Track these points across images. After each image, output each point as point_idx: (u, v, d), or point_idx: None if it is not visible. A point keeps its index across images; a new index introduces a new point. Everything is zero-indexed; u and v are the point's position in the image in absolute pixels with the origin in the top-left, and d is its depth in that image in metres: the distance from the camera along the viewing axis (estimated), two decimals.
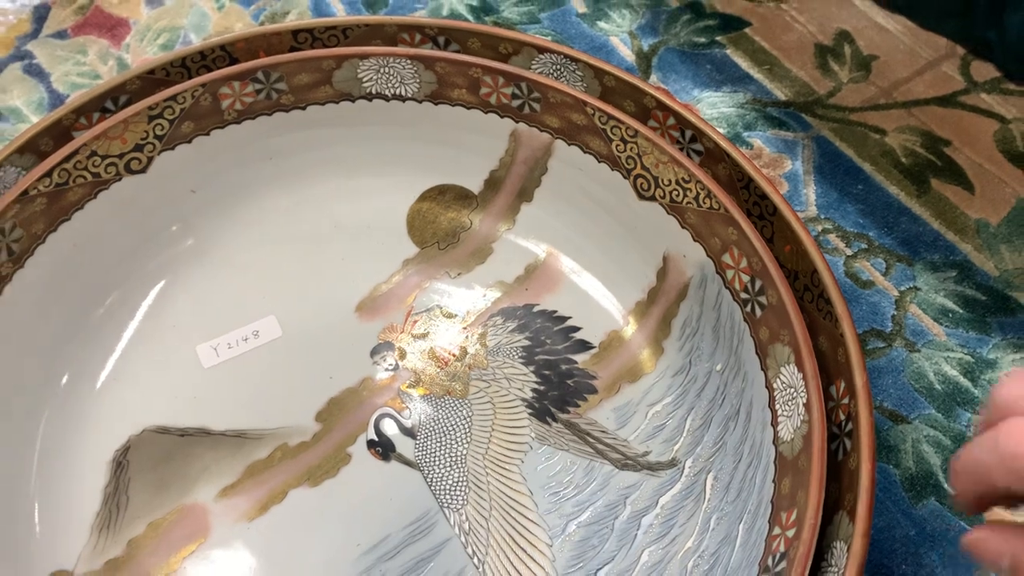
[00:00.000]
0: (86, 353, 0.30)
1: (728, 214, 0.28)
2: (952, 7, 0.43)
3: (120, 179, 0.30)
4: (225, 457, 0.29)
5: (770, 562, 0.23)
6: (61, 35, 0.45)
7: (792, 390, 0.25)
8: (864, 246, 0.38)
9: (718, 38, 0.46)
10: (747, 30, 0.46)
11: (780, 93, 0.43)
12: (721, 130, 0.42)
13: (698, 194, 0.29)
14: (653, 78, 0.44)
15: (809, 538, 0.22)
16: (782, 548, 0.23)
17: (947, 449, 0.33)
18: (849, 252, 0.38)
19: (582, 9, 0.47)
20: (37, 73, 0.43)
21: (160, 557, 0.28)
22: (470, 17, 0.46)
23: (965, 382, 0.34)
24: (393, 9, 0.46)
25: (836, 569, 0.23)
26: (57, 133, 0.30)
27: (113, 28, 0.45)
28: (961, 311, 0.36)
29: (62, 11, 0.46)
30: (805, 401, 0.24)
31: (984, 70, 0.44)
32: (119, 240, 0.31)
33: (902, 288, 0.37)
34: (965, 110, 0.43)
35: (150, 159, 0.31)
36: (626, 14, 0.46)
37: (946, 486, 0.32)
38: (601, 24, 0.46)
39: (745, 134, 0.42)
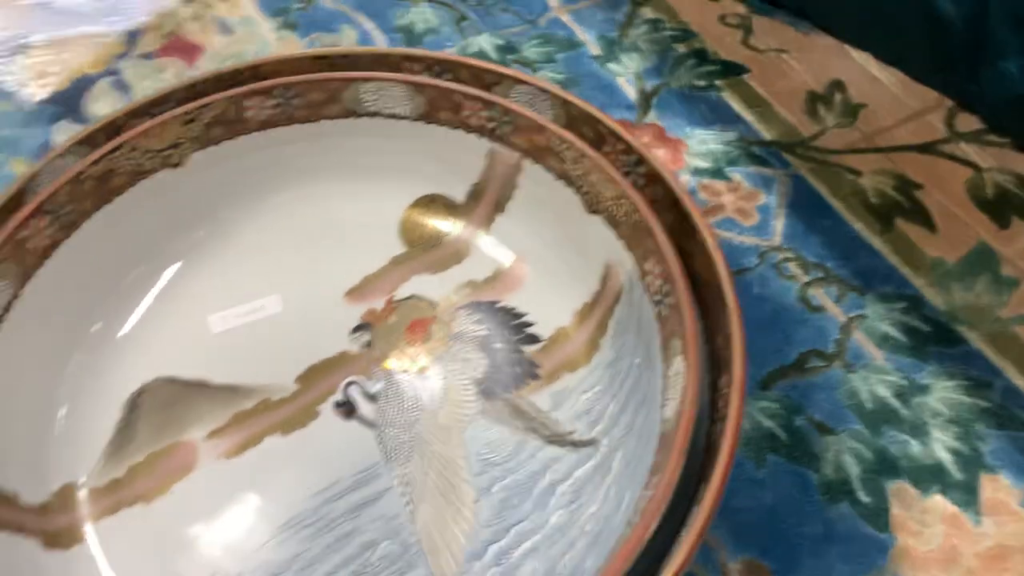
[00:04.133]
0: (115, 310, 0.36)
1: (648, 226, 0.32)
2: (938, 61, 0.46)
3: (158, 171, 0.37)
4: (218, 406, 0.35)
5: (633, 518, 0.27)
6: (147, 56, 0.53)
7: (679, 376, 0.29)
8: (821, 275, 0.41)
9: (716, 82, 0.50)
10: (745, 76, 0.50)
11: (766, 134, 0.47)
12: (705, 165, 0.46)
13: (628, 209, 0.33)
14: (651, 115, 0.48)
15: (661, 494, 0.26)
16: (642, 505, 0.27)
17: (867, 461, 0.36)
18: (806, 279, 0.41)
19: (596, 52, 0.52)
20: (123, 87, 0.51)
21: (154, 481, 0.33)
22: (495, 56, 0.52)
23: (895, 403, 0.37)
24: (428, 46, 0.52)
25: (687, 528, 0.26)
26: (112, 131, 0.37)
27: (190, 52, 0.53)
28: (903, 339, 0.39)
29: (151, 36, 0.54)
30: (684, 385, 0.28)
31: (968, 121, 0.47)
32: (152, 220, 0.37)
33: (850, 315, 0.40)
34: (942, 157, 0.45)
35: (184, 156, 0.37)
36: (635, 57, 0.51)
37: (860, 494, 0.35)
38: (611, 66, 0.51)
39: (727, 169, 0.45)
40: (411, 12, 0.54)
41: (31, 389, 0.33)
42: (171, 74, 0.52)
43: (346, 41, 0.53)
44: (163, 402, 0.35)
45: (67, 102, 0.50)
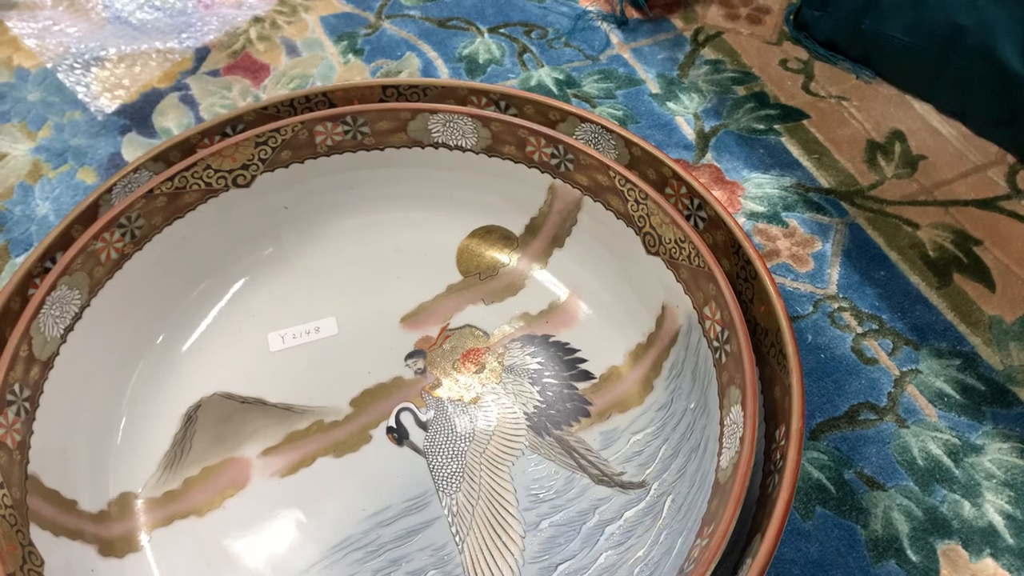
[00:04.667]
0: (178, 324, 0.37)
1: (710, 272, 0.32)
2: (1004, 117, 0.46)
3: (227, 190, 0.37)
4: (272, 424, 0.35)
5: (685, 567, 0.27)
6: (214, 73, 0.54)
7: (735, 426, 0.29)
8: (875, 327, 0.41)
9: (776, 126, 0.50)
10: (805, 121, 0.50)
11: (824, 181, 0.47)
12: (761, 209, 0.46)
13: (690, 253, 0.33)
14: (708, 156, 0.48)
15: (716, 545, 0.26)
16: (695, 554, 0.27)
17: (917, 519, 0.35)
18: (860, 330, 0.41)
19: (655, 90, 0.52)
20: (189, 102, 0.52)
21: (207, 495, 0.34)
22: (555, 90, 0.52)
23: (948, 462, 0.37)
24: (489, 77, 0.53)
25: None
26: (185, 149, 0.38)
27: (256, 71, 0.54)
28: (958, 397, 0.38)
29: (219, 54, 0.55)
30: (741, 436, 0.28)
31: None
32: (219, 238, 0.38)
33: (904, 369, 0.39)
34: (1003, 214, 0.45)
35: (253, 177, 0.38)
36: (695, 97, 0.51)
37: (909, 553, 0.34)
38: (670, 104, 0.51)
39: (784, 214, 0.45)
40: (474, 43, 0.55)
41: (96, 398, 0.34)
42: (237, 92, 0.53)
43: (409, 68, 0.53)
44: (219, 417, 0.36)
45: (136, 115, 0.51)
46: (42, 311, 0.32)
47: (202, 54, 0.55)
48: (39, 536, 0.30)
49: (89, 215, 0.36)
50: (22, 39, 0.55)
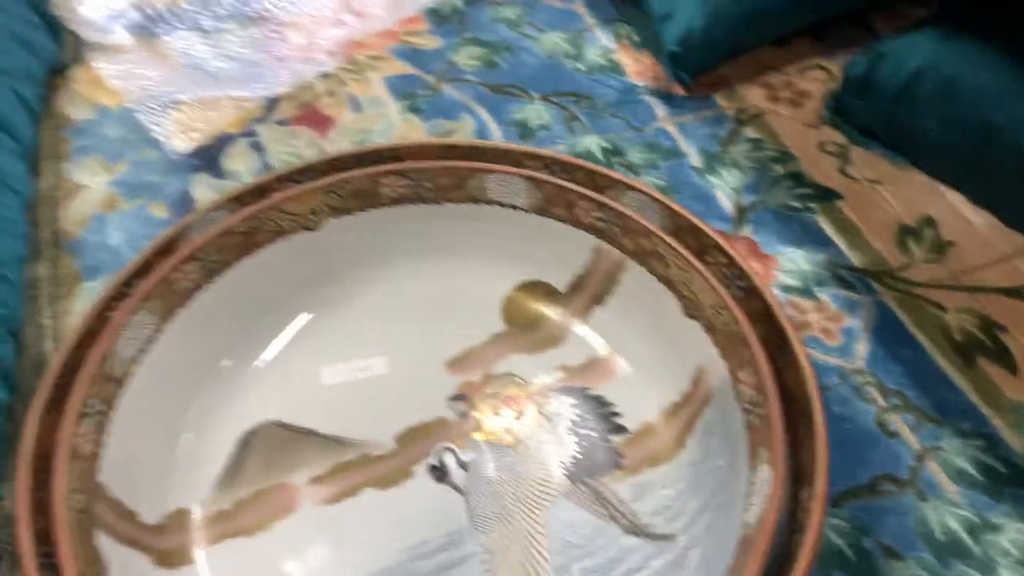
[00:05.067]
0: (242, 353, 0.39)
1: (746, 339, 0.34)
2: None
3: (297, 232, 0.40)
4: (321, 454, 0.38)
5: None
6: (283, 122, 0.57)
7: (764, 484, 0.31)
8: (899, 403, 0.42)
9: (811, 205, 0.52)
10: (839, 202, 0.52)
11: (855, 260, 0.49)
12: (794, 283, 0.48)
13: (727, 319, 0.35)
14: (745, 229, 0.51)
15: None
16: None
17: None
18: (884, 405, 0.42)
19: (696, 163, 0.55)
20: (258, 148, 0.55)
21: (257, 517, 0.36)
22: (602, 158, 0.55)
23: (966, 538, 0.38)
24: (539, 141, 0.56)
25: None
26: (259, 192, 0.40)
27: (322, 123, 0.57)
28: (978, 476, 0.40)
29: (288, 104, 0.59)
30: (769, 494, 0.30)
31: None
32: (286, 275, 0.40)
33: (926, 445, 0.41)
34: None
35: (321, 221, 0.41)
36: (735, 172, 0.54)
37: None
38: (710, 178, 0.54)
39: (815, 289, 0.47)
40: (526, 108, 0.58)
41: (162, 416, 0.36)
42: (303, 141, 0.56)
43: (465, 129, 0.56)
44: (272, 444, 0.38)
45: (207, 157, 0.55)
46: (121, 333, 0.35)
47: (272, 104, 0.59)
48: (103, 541, 0.32)
49: (166, 248, 0.38)
50: (106, 79, 0.59)
